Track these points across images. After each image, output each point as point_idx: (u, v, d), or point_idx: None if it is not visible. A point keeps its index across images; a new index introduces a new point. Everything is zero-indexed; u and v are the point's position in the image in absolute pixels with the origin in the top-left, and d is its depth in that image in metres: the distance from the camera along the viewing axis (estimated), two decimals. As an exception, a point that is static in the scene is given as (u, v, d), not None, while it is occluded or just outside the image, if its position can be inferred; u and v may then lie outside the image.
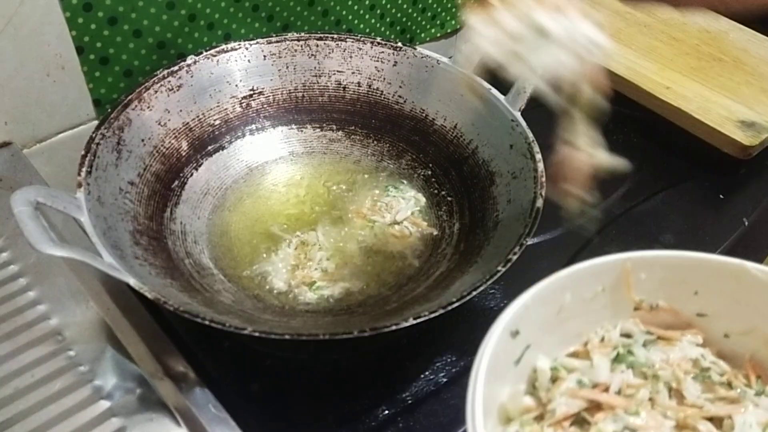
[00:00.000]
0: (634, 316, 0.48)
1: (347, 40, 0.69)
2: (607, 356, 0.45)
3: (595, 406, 0.42)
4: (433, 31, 0.94)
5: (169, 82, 0.64)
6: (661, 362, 0.45)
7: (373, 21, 0.85)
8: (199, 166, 0.66)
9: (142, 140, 0.61)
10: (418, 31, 0.92)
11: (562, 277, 0.44)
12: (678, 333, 0.47)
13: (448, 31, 0.96)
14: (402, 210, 0.65)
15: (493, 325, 0.41)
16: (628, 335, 0.47)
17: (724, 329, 0.47)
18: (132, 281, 0.47)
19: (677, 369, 0.44)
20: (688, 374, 0.45)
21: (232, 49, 0.67)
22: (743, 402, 0.43)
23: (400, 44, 0.69)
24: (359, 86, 0.70)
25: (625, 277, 0.46)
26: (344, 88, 0.71)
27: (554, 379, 0.44)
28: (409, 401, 0.55)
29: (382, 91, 0.70)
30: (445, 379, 0.56)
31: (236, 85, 0.68)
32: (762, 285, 0.45)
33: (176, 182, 0.63)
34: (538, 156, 0.59)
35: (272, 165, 0.69)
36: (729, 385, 0.45)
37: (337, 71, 0.70)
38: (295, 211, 0.65)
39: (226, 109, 0.68)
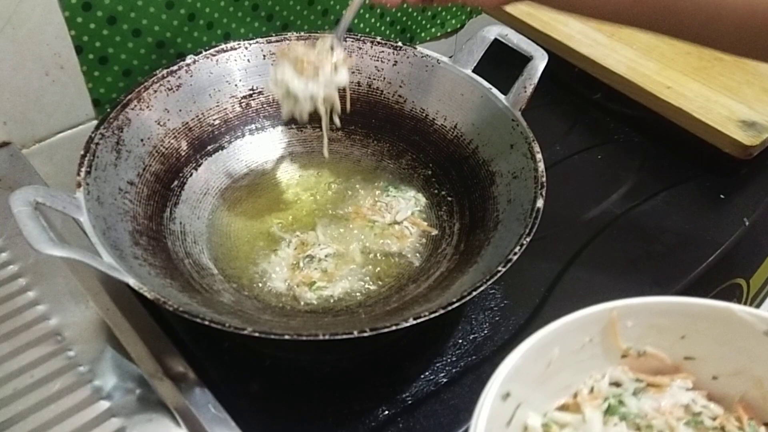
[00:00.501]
0: (622, 364, 0.48)
1: (347, 39, 0.69)
2: (599, 408, 0.45)
3: None
4: (433, 30, 0.94)
5: (169, 81, 0.64)
6: (653, 411, 0.45)
7: (372, 20, 0.85)
8: (199, 166, 0.66)
9: (142, 140, 0.61)
10: (419, 30, 0.92)
11: (550, 332, 0.44)
12: (667, 378, 0.47)
13: (449, 30, 0.96)
14: (402, 210, 0.64)
15: (485, 391, 0.40)
16: (617, 384, 0.47)
17: (712, 371, 0.47)
18: (131, 281, 0.47)
19: (669, 417, 0.44)
20: (680, 420, 0.45)
21: (232, 49, 0.67)
22: None
23: (400, 44, 0.69)
24: (359, 86, 0.70)
25: (611, 326, 0.46)
26: (344, 87, 0.70)
27: None
28: (409, 401, 0.55)
29: (382, 91, 0.70)
30: (445, 380, 0.56)
31: (236, 85, 0.68)
32: (748, 326, 0.45)
33: (176, 182, 0.63)
34: (539, 156, 0.58)
35: (272, 165, 0.69)
36: (722, 430, 0.45)
37: (337, 71, 0.70)
38: (294, 211, 0.65)
39: (225, 108, 0.68)
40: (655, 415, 0.45)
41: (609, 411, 0.45)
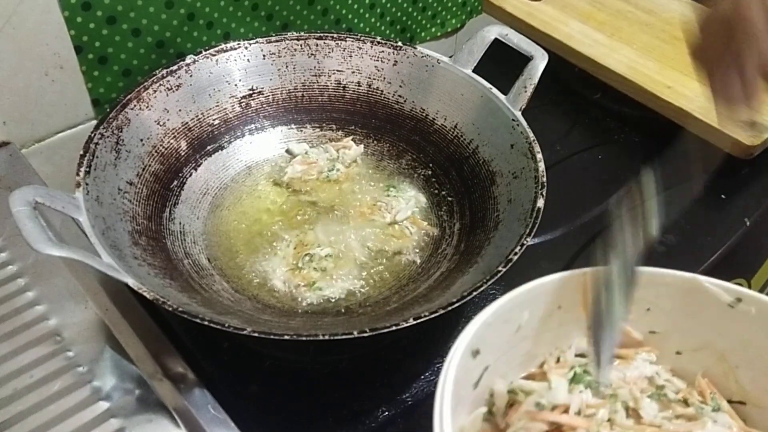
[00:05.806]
0: (589, 335, 0.47)
1: (347, 39, 0.69)
2: (564, 376, 0.45)
3: (555, 429, 0.42)
4: (433, 30, 0.94)
5: (168, 81, 0.63)
6: (618, 380, 0.45)
7: (372, 20, 0.85)
8: (198, 166, 0.66)
9: (141, 140, 0.61)
10: (419, 30, 0.92)
11: (522, 293, 0.44)
12: (632, 351, 0.47)
13: (449, 30, 0.96)
14: (402, 210, 0.64)
15: (455, 344, 0.40)
16: (583, 355, 0.47)
17: (676, 347, 0.48)
18: (131, 281, 0.47)
19: (634, 388, 0.45)
20: (644, 393, 0.45)
21: (232, 49, 0.67)
22: (702, 419, 0.43)
23: (400, 43, 0.69)
24: (359, 86, 0.70)
25: (581, 293, 0.46)
26: (344, 87, 0.70)
27: (512, 403, 0.44)
28: (409, 402, 0.55)
29: (382, 91, 0.70)
30: (445, 380, 0.56)
31: (235, 85, 0.68)
32: (714, 298, 0.45)
33: (175, 182, 0.63)
34: (539, 156, 0.58)
35: (271, 165, 0.69)
36: (685, 402, 0.45)
37: (337, 71, 0.70)
38: (294, 211, 0.65)
39: (225, 108, 0.67)
40: (621, 384, 0.45)
41: (574, 379, 0.45)
